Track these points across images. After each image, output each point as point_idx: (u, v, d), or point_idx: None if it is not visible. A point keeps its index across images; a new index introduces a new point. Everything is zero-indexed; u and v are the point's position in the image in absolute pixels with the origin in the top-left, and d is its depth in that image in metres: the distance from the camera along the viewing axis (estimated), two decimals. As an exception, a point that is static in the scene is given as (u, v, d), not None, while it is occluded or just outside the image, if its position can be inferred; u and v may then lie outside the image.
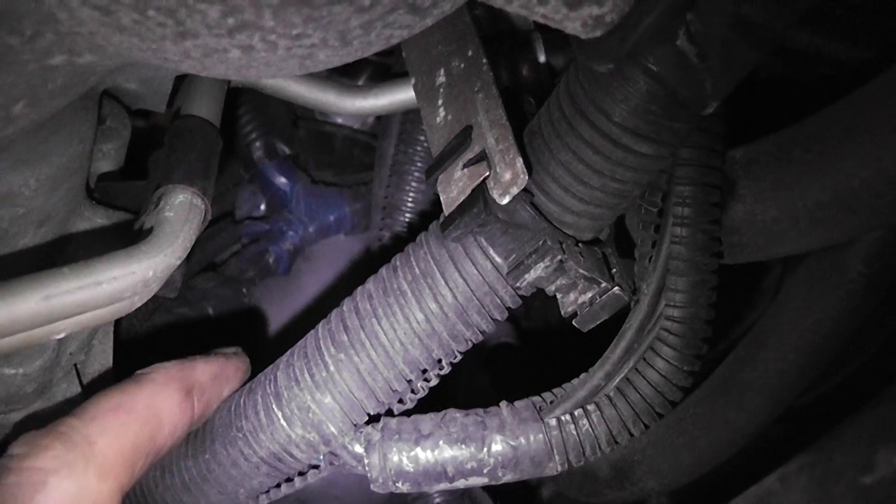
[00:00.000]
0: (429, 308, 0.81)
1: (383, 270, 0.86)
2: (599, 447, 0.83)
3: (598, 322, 0.80)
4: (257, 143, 1.40)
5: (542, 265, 0.77)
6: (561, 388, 0.88)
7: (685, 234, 0.80)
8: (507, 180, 0.73)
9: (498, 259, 0.79)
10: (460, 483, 0.85)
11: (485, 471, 0.84)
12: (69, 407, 0.84)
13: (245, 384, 0.91)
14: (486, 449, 0.84)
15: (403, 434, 0.86)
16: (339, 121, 1.55)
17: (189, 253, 0.85)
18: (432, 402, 0.89)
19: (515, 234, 0.78)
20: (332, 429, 0.83)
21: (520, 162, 0.73)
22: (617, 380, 0.83)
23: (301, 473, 0.89)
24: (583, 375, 0.86)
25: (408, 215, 1.26)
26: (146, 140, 1.02)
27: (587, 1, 0.64)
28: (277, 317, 1.38)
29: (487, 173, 0.75)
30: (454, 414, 0.87)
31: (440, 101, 0.84)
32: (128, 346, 1.18)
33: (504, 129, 0.75)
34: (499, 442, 0.84)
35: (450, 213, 0.79)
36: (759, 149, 0.81)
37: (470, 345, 0.84)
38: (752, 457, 0.94)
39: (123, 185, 0.95)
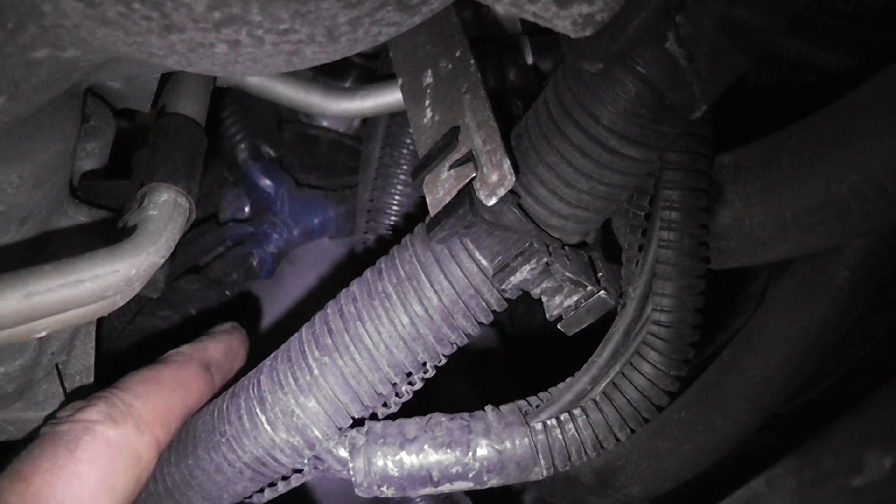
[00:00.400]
0: (414, 311, 0.80)
1: (368, 273, 0.85)
2: (585, 452, 0.83)
3: (584, 326, 0.80)
4: (242, 145, 1.39)
5: (527, 267, 0.77)
6: (547, 393, 0.87)
7: (672, 239, 0.80)
8: (494, 181, 0.73)
9: (483, 261, 0.79)
10: (445, 487, 0.84)
11: (470, 475, 0.84)
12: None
13: (228, 388, 0.90)
14: (471, 453, 0.83)
15: (388, 438, 0.85)
16: (325, 124, 1.54)
17: (172, 255, 0.85)
18: (416, 408, 0.89)
19: (501, 236, 0.78)
20: (317, 433, 0.83)
21: (507, 163, 0.72)
22: (603, 384, 0.83)
23: (285, 478, 0.88)
24: (569, 380, 0.85)
25: (393, 218, 1.26)
26: (130, 141, 1.02)
27: (577, -1, 0.64)
28: (261, 320, 1.37)
29: (474, 174, 0.75)
30: (439, 418, 0.87)
31: (427, 102, 0.83)
32: (110, 348, 1.17)
33: (491, 130, 0.75)
34: (484, 446, 0.83)
35: (435, 214, 0.78)
36: (747, 154, 0.81)
37: (455, 348, 0.84)
38: (735, 463, 0.94)
39: (107, 184, 0.95)
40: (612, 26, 0.66)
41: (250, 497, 0.89)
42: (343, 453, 0.85)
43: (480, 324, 0.83)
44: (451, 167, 0.78)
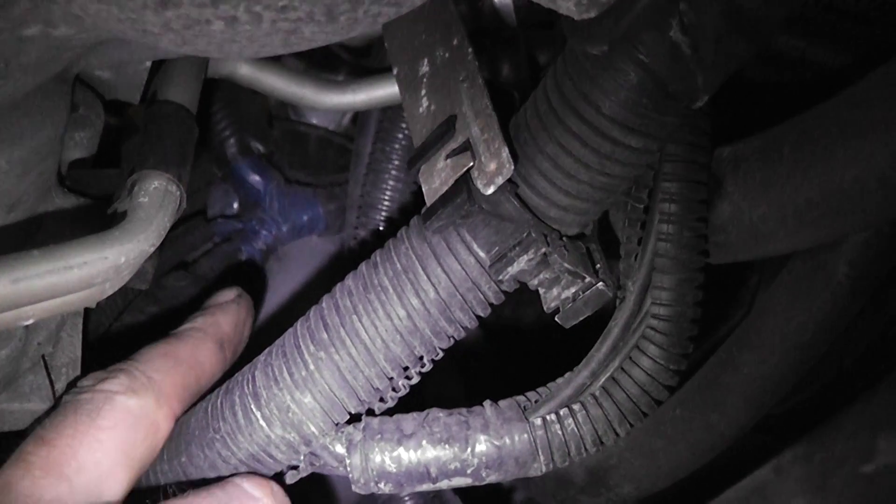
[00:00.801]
0: (410, 304, 0.79)
1: (363, 266, 0.84)
2: (585, 447, 0.82)
3: (581, 318, 0.78)
4: (231, 141, 1.38)
5: (525, 258, 0.75)
6: (545, 388, 0.86)
7: (672, 232, 0.79)
8: (492, 170, 0.72)
9: (481, 253, 0.77)
10: (444, 484, 0.83)
11: (468, 471, 0.83)
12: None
13: (222, 384, 0.89)
14: (469, 449, 0.82)
15: (385, 434, 0.83)
16: (314, 121, 1.53)
17: (160, 249, 0.84)
18: (403, 406, 0.87)
19: (498, 226, 0.77)
20: (313, 429, 0.81)
21: (505, 151, 0.71)
22: (602, 379, 0.82)
23: (280, 475, 0.86)
24: (567, 374, 0.84)
25: (384, 214, 1.24)
26: (117, 135, 1.00)
27: (582, -20, 0.63)
28: (248, 316, 1.36)
29: (471, 163, 0.74)
30: (437, 413, 0.85)
31: (423, 91, 0.82)
32: (96, 344, 1.16)
33: (489, 119, 0.74)
34: (483, 442, 0.82)
35: (432, 203, 0.77)
36: (748, 147, 0.80)
37: (452, 342, 0.82)
38: (729, 463, 0.93)
39: (95, 173, 0.93)
40: (617, 7, 0.65)
41: None
42: (340, 449, 0.83)
43: (478, 317, 0.81)
44: (447, 156, 0.77)
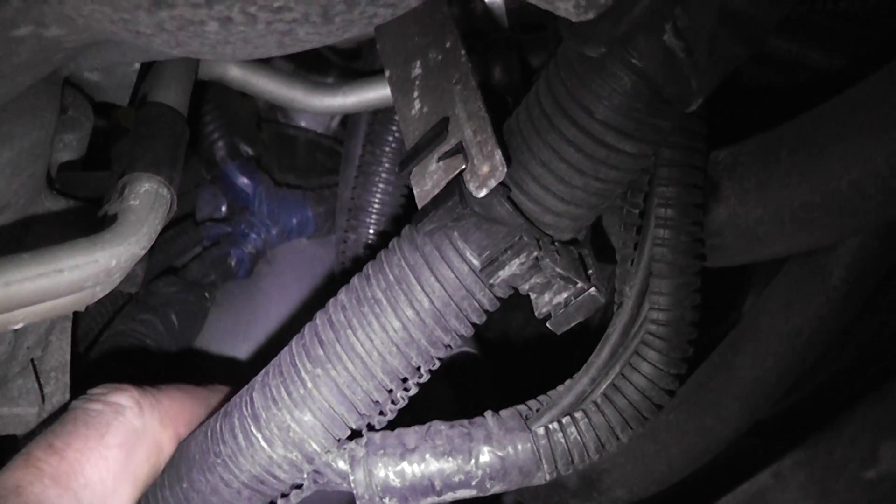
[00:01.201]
0: (405, 315, 0.78)
1: (356, 280, 0.83)
2: (588, 454, 0.81)
3: (573, 324, 0.78)
4: (220, 143, 1.37)
5: (517, 262, 0.75)
6: (546, 396, 0.85)
7: (668, 237, 0.79)
8: (485, 173, 0.71)
9: (473, 260, 0.77)
10: (448, 496, 0.82)
11: (473, 483, 0.82)
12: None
13: (220, 408, 0.88)
14: (473, 460, 0.81)
15: (388, 448, 0.83)
16: (303, 124, 1.52)
17: (149, 253, 0.83)
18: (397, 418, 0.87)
19: (490, 229, 0.76)
20: (315, 446, 0.81)
21: (498, 154, 0.71)
22: (603, 385, 0.81)
23: (284, 495, 0.85)
24: (568, 382, 0.84)
25: (374, 216, 1.24)
26: (105, 138, 1.00)
27: (580, -19, 0.63)
28: (237, 320, 1.35)
29: (464, 166, 0.73)
30: (439, 426, 0.85)
31: (415, 94, 0.82)
32: (86, 350, 1.15)
33: (482, 121, 0.74)
34: (486, 453, 0.81)
35: (423, 206, 0.77)
36: (744, 150, 0.80)
37: (449, 351, 0.82)
38: (722, 467, 0.93)
39: (85, 175, 0.93)
40: (616, 8, 0.65)
41: None
42: (343, 466, 0.82)
43: (473, 325, 0.81)
44: (439, 159, 0.76)
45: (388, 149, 1.22)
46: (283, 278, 1.40)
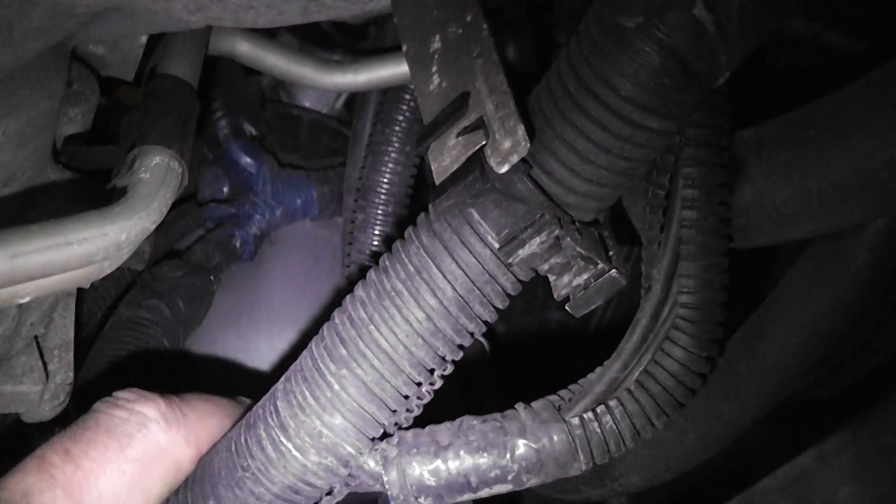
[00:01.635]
0: (429, 305, 0.75)
1: (372, 274, 0.80)
2: (624, 443, 0.80)
3: (592, 307, 0.76)
4: (223, 122, 1.35)
5: (537, 240, 0.73)
6: (577, 385, 0.84)
7: (695, 218, 0.77)
8: (507, 148, 0.69)
9: (492, 240, 0.75)
10: (485, 492, 0.81)
11: (509, 477, 0.80)
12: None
13: (240, 419, 0.86)
14: (508, 454, 0.80)
15: (421, 447, 0.81)
16: (307, 104, 1.50)
17: (154, 233, 0.81)
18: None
19: (510, 207, 0.74)
20: (349, 449, 0.78)
21: (521, 129, 0.69)
22: (636, 372, 0.80)
23: (316, 503, 0.82)
24: (598, 369, 0.82)
25: (383, 196, 1.22)
26: (106, 114, 0.98)
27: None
28: (241, 302, 1.33)
29: (484, 141, 0.72)
30: (471, 421, 0.83)
31: (434, 68, 0.80)
32: (88, 334, 1.13)
33: (505, 96, 0.72)
34: (521, 446, 0.80)
35: (441, 182, 0.75)
36: (770, 129, 0.79)
37: (473, 339, 0.79)
38: (739, 454, 0.92)
39: (91, 149, 0.91)
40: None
41: None
42: (375, 467, 0.80)
43: (497, 310, 0.79)
44: (459, 134, 0.74)
45: (397, 128, 1.21)
46: (287, 260, 1.38)
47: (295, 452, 0.77)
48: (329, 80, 1.11)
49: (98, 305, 1.18)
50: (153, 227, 0.77)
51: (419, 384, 0.79)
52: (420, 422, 0.82)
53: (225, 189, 1.38)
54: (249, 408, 0.87)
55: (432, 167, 0.76)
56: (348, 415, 0.77)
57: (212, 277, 1.29)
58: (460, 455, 0.80)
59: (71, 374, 0.92)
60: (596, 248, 0.75)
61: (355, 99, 1.44)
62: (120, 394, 0.83)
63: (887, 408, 0.57)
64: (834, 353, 0.86)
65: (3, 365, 0.86)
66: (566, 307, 0.76)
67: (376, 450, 0.80)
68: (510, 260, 0.74)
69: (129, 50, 0.91)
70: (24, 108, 0.76)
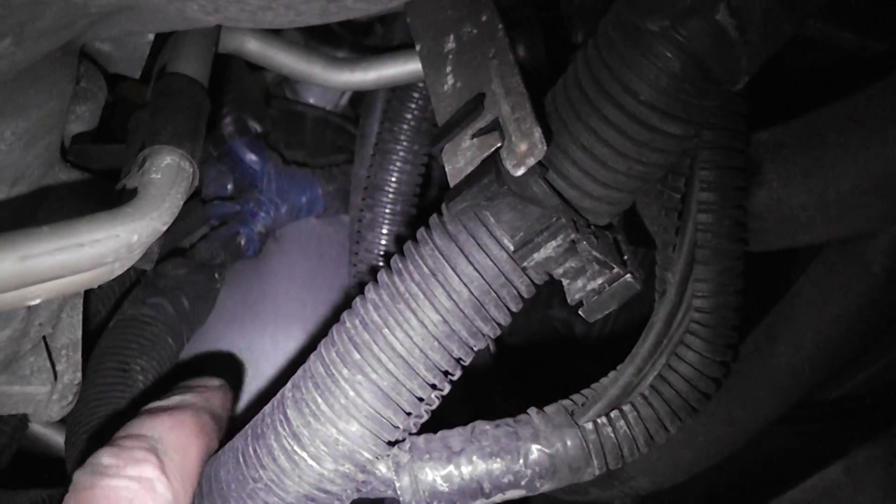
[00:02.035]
0: (444, 307, 0.75)
1: (384, 276, 0.79)
2: (637, 448, 0.79)
3: (606, 312, 0.75)
4: (228, 119, 1.34)
5: (553, 244, 0.72)
6: (590, 389, 0.83)
7: (711, 221, 0.77)
8: (523, 151, 0.69)
9: (507, 242, 0.74)
10: (497, 498, 0.80)
11: (522, 482, 0.80)
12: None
13: (244, 427, 0.85)
14: (521, 460, 0.79)
15: (433, 452, 0.80)
16: (311, 101, 1.50)
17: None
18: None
19: (525, 210, 0.74)
20: (367, 455, 0.77)
21: (538, 132, 0.69)
22: (650, 376, 0.79)
23: None
24: (612, 373, 0.82)
25: (391, 195, 1.21)
26: (111, 112, 0.97)
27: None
28: (245, 299, 1.32)
29: (500, 144, 0.71)
30: (484, 426, 0.82)
31: (448, 68, 0.79)
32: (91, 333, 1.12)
33: (521, 98, 0.71)
34: (535, 451, 0.79)
35: (456, 184, 0.74)
36: (788, 131, 0.78)
37: (486, 342, 0.79)
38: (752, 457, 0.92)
39: (100, 148, 0.90)
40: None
41: None
42: (387, 472, 0.80)
43: (511, 313, 0.78)
44: (474, 135, 0.74)
45: (406, 126, 1.20)
46: (292, 257, 1.37)
47: (310, 461, 0.77)
48: (338, 78, 1.10)
49: (103, 303, 1.18)
50: (164, 228, 0.76)
51: (433, 385, 0.78)
52: (428, 424, 0.82)
53: (229, 186, 1.37)
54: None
55: (446, 169, 0.76)
56: (365, 421, 0.76)
57: (216, 275, 1.27)
58: (473, 460, 0.79)
59: (79, 374, 0.91)
60: (611, 253, 0.74)
61: (360, 96, 1.43)
62: (107, 460, 0.79)
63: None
64: (847, 357, 0.85)
65: (11, 366, 0.85)
66: (579, 312, 0.75)
67: (388, 455, 0.80)
68: (525, 263, 0.73)
69: (136, 47, 0.91)
70: (34, 107, 0.76)
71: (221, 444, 0.87)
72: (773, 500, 0.78)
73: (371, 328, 0.77)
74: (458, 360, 0.78)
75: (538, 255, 0.73)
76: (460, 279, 0.75)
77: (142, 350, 1.08)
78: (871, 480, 0.59)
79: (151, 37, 0.90)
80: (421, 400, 0.78)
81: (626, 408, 0.79)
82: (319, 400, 0.77)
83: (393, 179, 1.21)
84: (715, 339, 0.76)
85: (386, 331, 0.76)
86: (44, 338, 0.89)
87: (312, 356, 0.81)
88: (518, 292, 0.77)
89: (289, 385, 0.82)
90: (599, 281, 0.74)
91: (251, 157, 1.35)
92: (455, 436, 0.82)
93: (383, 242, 1.22)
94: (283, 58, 1.08)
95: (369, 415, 0.76)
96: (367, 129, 1.25)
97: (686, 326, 0.78)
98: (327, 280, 1.35)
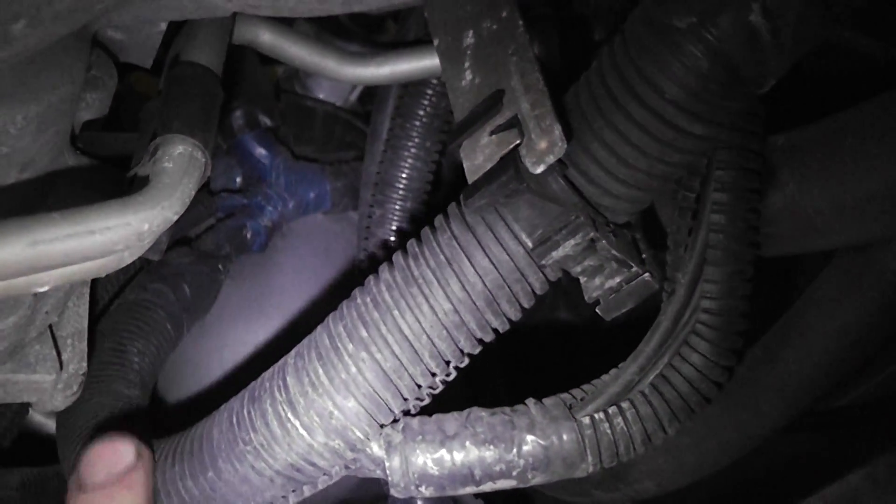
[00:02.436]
0: (456, 297, 0.75)
1: (400, 259, 0.79)
2: (634, 447, 0.78)
3: (624, 310, 0.75)
4: (237, 112, 1.33)
5: (571, 242, 0.72)
6: (591, 385, 0.82)
7: (724, 222, 0.76)
8: (543, 148, 0.68)
9: (525, 239, 0.74)
10: (487, 486, 0.79)
11: (514, 473, 0.79)
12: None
13: (243, 390, 0.84)
14: (515, 449, 0.78)
15: (427, 435, 0.79)
16: (321, 96, 1.49)
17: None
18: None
19: (543, 208, 0.73)
20: (359, 433, 0.77)
21: (558, 129, 0.68)
22: (651, 375, 0.78)
23: (311, 481, 0.82)
24: (613, 371, 0.81)
25: (402, 192, 1.20)
26: (118, 102, 0.96)
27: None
28: (251, 294, 1.32)
29: (519, 140, 0.70)
30: (479, 413, 0.81)
31: (467, 64, 0.78)
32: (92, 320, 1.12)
33: (541, 94, 0.70)
34: (529, 442, 0.78)
35: (474, 181, 0.74)
36: (805, 135, 0.77)
37: (494, 336, 0.79)
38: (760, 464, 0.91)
39: (110, 136, 0.89)
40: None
41: None
42: (378, 452, 0.79)
43: (523, 309, 0.77)
44: (492, 132, 0.73)
45: (418, 123, 1.19)
46: (299, 253, 1.37)
47: (302, 431, 0.77)
48: (351, 73, 1.09)
49: (106, 290, 1.17)
50: (175, 217, 0.76)
51: (434, 375, 0.78)
52: (424, 409, 0.82)
53: (238, 179, 1.37)
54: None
55: (464, 165, 0.75)
56: (362, 399, 0.76)
57: (220, 266, 1.27)
58: (466, 446, 0.79)
59: (84, 363, 0.90)
60: (630, 251, 0.74)
61: (370, 93, 1.43)
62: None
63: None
64: (858, 365, 0.85)
65: (16, 354, 0.84)
66: (596, 310, 0.75)
67: (380, 434, 0.79)
68: (543, 262, 0.73)
69: (148, 36, 0.90)
70: (46, 91, 0.75)
71: None
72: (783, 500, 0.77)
73: (382, 308, 0.76)
74: (462, 352, 0.78)
75: (556, 254, 0.73)
76: (475, 270, 0.74)
77: (140, 333, 1.07)
78: (893, 488, 0.58)
79: (163, 26, 0.89)
80: (419, 387, 0.78)
81: (625, 405, 0.78)
82: (320, 371, 0.77)
83: (403, 176, 1.20)
84: (720, 342, 0.76)
85: (396, 312, 0.76)
86: (49, 326, 0.88)
87: (319, 328, 0.81)
88: (532, 288, 0.76)
89: (292, 353, 0.82)
90: (617, 279, 0.73)
91: (260, 151, 1.35)
92: (450, 420, 0.81)
93: (392, 239, 1.21)
94: (296, 50, 1.07)
95: (367, 393, 0.76)
96: (379, 125, 1.24)
97: (692, 327, 0.77)
98: (334, 276, 1.34)
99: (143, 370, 1.04)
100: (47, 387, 0.86)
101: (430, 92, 1.18)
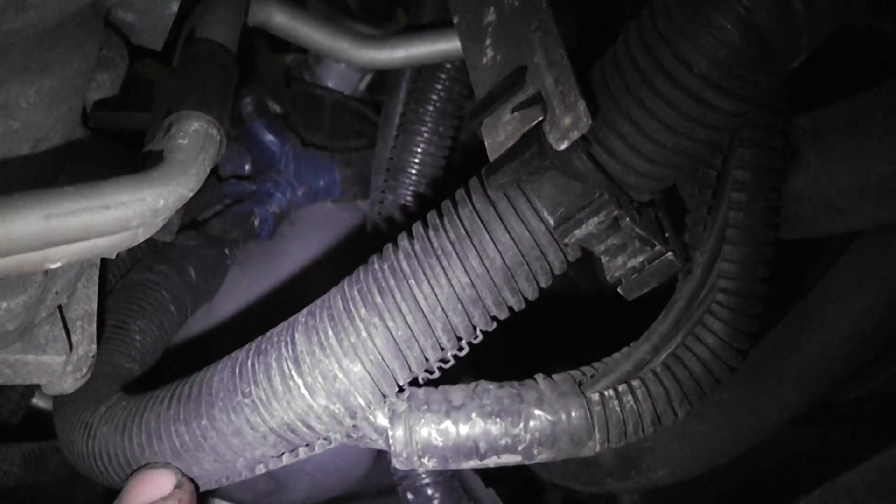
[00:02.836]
0: (475, 271, 0.74)
1: (419, 228, 0.78)
2: (642, 427, 0.77)
3: (646, 290, 0.73)
4: (248, 99, 1.33)
5: (595, 220, 0.70)
6: (602, 362, 0.81)
7: (745, 201, 0.75)
8: (567, 124, 0.67)
9: (548, 217, 0.72)
10: (491, 461, 0.78)
11: (519, 448, 0.77)
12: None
13: (251, 341, 0.83)
14: (522, 424, 0.77)
15: (433, 405, 0.78)
16: (330, 84, 1.48)
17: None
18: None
19: (566, 185, 0.72)
20: (360, 400, 0.75)
21: (582, 105, 0.66)
22: (664, 354, 0.77)
23: (308, 443, 0.80)
24: (626, 349, 0.80)
25: (414, 177, 1.19)
26: (125, 89, 0.95)
27: None
28: (259, 281, 1.31)
29: (542, 117, 0.69)
30: (487, 385, 0.80)
31: (488, 41, 0.77)
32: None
33: (565, 70, 0.69)
34: (536, 417, 0.77)
35: (496, 158, 0.72)
36: (829, 114, 0.76)
37: (509, 314, 0.77)
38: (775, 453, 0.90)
39: (122, 115, 0.88)
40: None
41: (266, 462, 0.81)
42: (382, 421, 0.78)
43: (540, 289, 0.76)
44: (514, 109, 0.72)
45: (431, 108, 1.18)
46: (307, 241, 1.36)
47: (303, 390, 0.75)
48: (365, 56, 1.08)
49: (113, 273, 1.16)
50: (191, 194, 0.74)
51: (443, 349, 0.76)
52: (429, 382, 0.80)
53: (247, 166, 1.36)
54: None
55: (486, 143, 0.74)
56: (369, 365, 0.74)
57: (227, 251, 1.26)
58: (472, 418, 0.77)
59: (94, 346, 0.89)
60: (653, 230, 0.73)
61: (379, 82, 1.42)
62: None
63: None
64: (878, 351, 0.83)
65: (26, 334, 0.83)
66: (618, 289, 0.74)
67: (384, 403, 0.78)
68: (566, 240, 0.71)
69: (160, 18, 0.89)
70: (59, 65, 0.74)
71: None
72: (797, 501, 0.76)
73: (398, 275, 0.75)
74: (475, 328, 0.76)
75: (579, 232, 0.71)
76: (495, 246, 0.73)
77: (142, 312, 1.07)
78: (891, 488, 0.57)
79: (175, 8, 0.89)
80: (427, 361, 0.76)
81: (636, 383, 0.77)
82: (330, 332, 0.75)
83: (416, 161, 1.19)
84: (736, 323, 0.74)
85: (413, 281, 0.74)
86: (59, 308, 0.86)
87: (333, 290, 0.80)
88: (550, 267, 0.75)
89: (304, 311, 0.81)
90: (640, 258, 0.72)
91: (270, 138, 1.34)
92: (457, 391, 0.80)
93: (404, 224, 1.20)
94: (309, 32, 1.05)
95: (375, 360, 0.74)
96: (391, 110, 1.23)
97: (707, 307, 0.76)
98: (342, 264, 1.33)
99: (144, 348, 1.03)
100: (57, 368, 0.85)
101: (443, 76, 1.17)
